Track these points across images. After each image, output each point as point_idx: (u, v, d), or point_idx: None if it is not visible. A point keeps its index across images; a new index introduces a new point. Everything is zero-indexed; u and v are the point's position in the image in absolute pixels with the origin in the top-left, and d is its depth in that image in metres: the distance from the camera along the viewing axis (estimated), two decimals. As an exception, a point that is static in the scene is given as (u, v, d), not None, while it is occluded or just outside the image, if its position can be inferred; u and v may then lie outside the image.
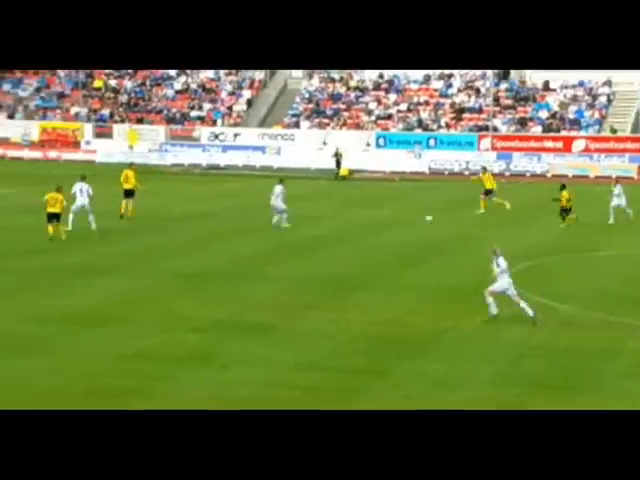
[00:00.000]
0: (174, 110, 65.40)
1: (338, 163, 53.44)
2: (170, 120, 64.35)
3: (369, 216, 36.41)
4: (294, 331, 18.48)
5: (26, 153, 60.87)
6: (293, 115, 63.86)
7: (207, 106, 65.43)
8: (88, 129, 63.80)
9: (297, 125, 62.80)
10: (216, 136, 61.81)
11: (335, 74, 65.55)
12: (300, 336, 18.12)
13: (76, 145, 62.56)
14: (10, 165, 56.45)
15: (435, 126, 61.01)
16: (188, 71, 67.77)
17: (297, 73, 66.12)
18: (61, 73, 69.75)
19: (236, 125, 63.49)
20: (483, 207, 37.10)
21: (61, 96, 68.64)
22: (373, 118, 62.47)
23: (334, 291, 22.27)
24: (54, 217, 28.38)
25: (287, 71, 66.00)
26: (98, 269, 24.18)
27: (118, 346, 17.08)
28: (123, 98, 67.33)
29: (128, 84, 68.41)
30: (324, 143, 59.16)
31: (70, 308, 19.83)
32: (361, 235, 31.28)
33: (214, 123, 63.97)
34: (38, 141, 63.60)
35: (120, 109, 66.32)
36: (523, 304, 18.65)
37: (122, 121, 64.54)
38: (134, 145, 60.36)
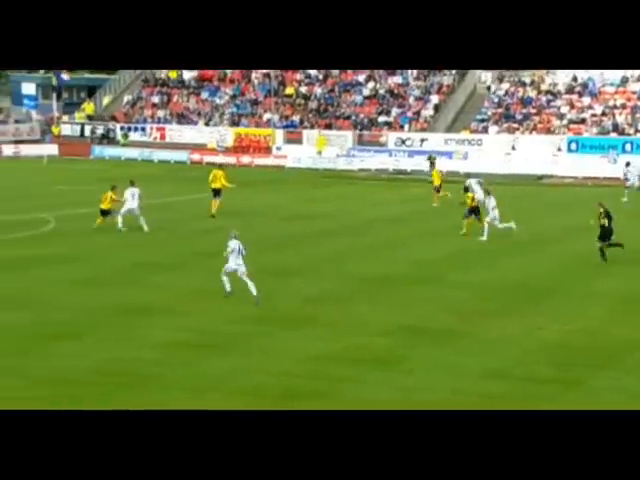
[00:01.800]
0: (362, 116, 66.07)
1: (432, 167, 52.28)
2: (358, 125, 65.07)
3: (559, 222, 35.33)
4: (481, 338, 18.20)
5: (221, 158, 63.12)
6: (481, 120, 63.00)
7: (395, 111, 65.68)
8: (279, 135, 65.53)
9: (485, 130, 61.88)
10: (403, 141, 61.93)
11: (526, 78, 64.11)
12: (487, 343, 17.83)
13: (268, 150, 64.35)
14: (206, 170, 58.64)
15: (632, 130, 58.45)
16: (377, 76, 68.30)
17: (486, 77, 65.16)
18: (255, 81, 72.08)
19: (423, 130, 63.35)
20: (436, 201, 39.66)
21: (254, 103, 70.90)
22: (565, 122, 60.64)
23: (523, 298, 21.76)
24: (103, 213, 32.26)
25: (476, 75, 65.20)
26: (288, 271, 24.75)
27: (308, 348, 17.42)
28: (313, 104, 68.69)
29: (318, 90, 69.75)
30: (513, 148, 58.00)
31: (264, 309, 20.38)
32: (551, 241, 30.41)
33: (401, 128, 64.13)
34: (232, 147, 65.94)
35: (310, 115, 67.71)
36: (250, 284, 20.39)
37: (312, 127, 65.86)
38: (322, 150, 61.44)
